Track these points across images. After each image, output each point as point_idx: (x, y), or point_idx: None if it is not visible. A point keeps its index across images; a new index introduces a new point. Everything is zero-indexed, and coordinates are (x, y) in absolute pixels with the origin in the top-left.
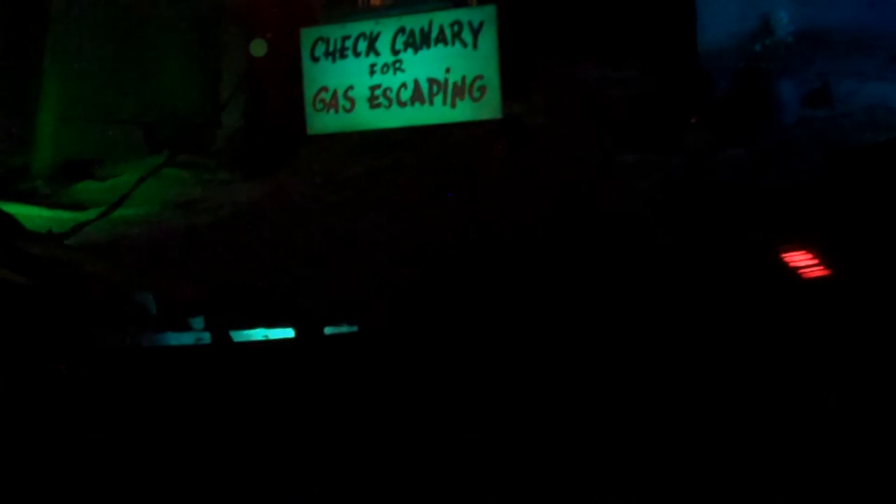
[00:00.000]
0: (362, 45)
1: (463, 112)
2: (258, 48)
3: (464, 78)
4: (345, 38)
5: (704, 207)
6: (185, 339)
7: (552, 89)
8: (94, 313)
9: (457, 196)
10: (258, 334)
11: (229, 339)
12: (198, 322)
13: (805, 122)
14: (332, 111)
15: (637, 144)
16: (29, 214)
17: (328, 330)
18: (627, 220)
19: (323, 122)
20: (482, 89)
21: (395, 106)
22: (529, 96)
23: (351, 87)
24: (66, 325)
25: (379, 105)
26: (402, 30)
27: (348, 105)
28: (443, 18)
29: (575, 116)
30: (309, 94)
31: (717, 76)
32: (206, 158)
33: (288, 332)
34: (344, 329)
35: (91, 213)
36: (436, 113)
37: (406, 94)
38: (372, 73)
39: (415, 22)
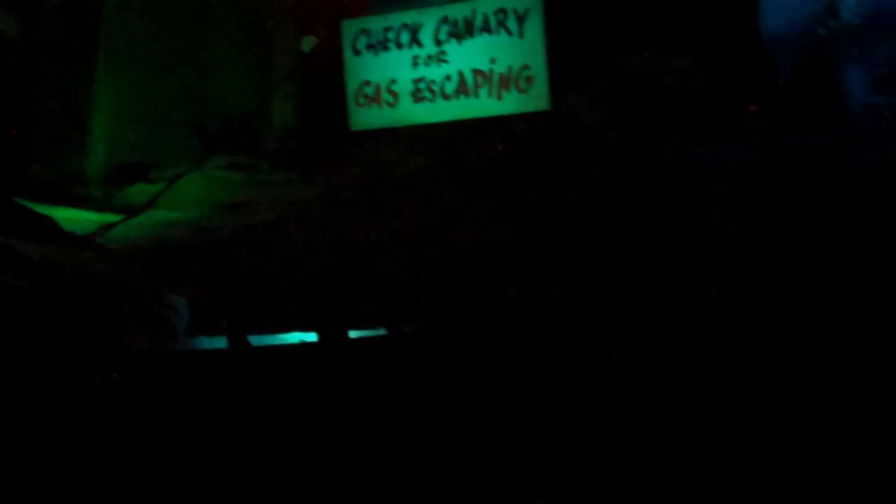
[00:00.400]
0: (405, 37)
1: (510, 104)
2: (308, 44)
3: (510, 68)
4: (387, 30)
5: (768, 201)
6: (218, 343)
7: (606, 80)
8: (119, 319)
9: (509, 194)
10: (288, 338)
11: (247, 343)
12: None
13: (873, 110)
14: (374, 106)
15: (697, 136)
16: (77, 218)
17: (353, 334)
18: (689, 216)
19: (366, 118)
20: (529, 80)
21: (439, 99)
22: (583, 88)
23: (394, 81)
24: (88, 330)
25: (423, 99)
26: (445, 19)
27: (391, 99)
28: (487, 6)
29: (632, 108)
30: (351, 88)
31: (780, 62)
32: (259, 159)
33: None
34: (369, 333)
35: (140, 217)
36: (481, 106)
37: (451, 87)
38: (415, 65)
39: (458, 11)
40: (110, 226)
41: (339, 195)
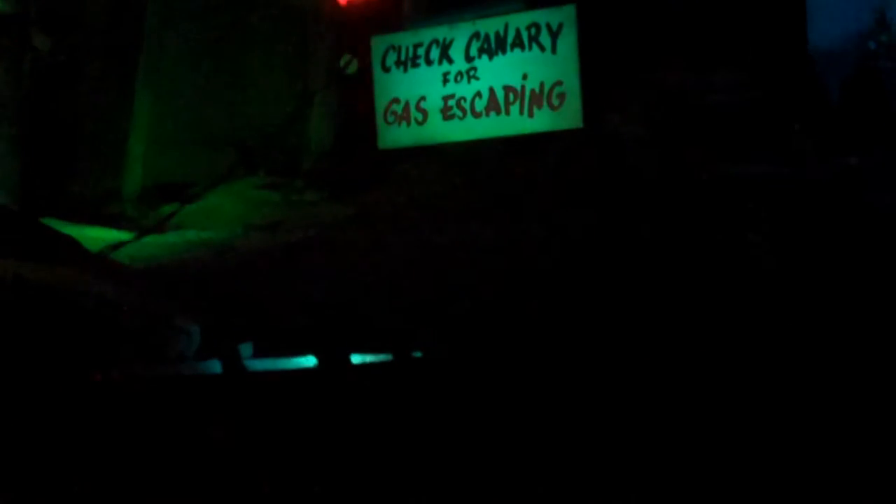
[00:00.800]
0: (435, 53)
1: (541, 122)
2: (352, 67)
3: (542, 84)
4: (417, 46)
5: (814, 225)
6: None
7: (644, 97)
8: (103, 341)
9: (544, 214)
10: (296, 363)
11: (241, 367)
12: (246, 349)
13: None
14: (403, 124)
15: (741, 156)
16: (107, 238)
17: (356, 359)
18: (731, 241)
19: (394, 136)
20: (561, 96)
21: (469, 117)
22: (620, 105)
23: (423, 98)
24: (62, 351)
25: (453, 116)
26: (476, 35)
27: (420, 117)
28: (519, 21)
29: (672, 126)
30: (380, 106)
31: (828, 78)
32: (294, 178)
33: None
34: (371, 358)
35: (171, 237)
36: (512, 123)
37: (481, 104)
38: (445, 82)
39: (490, 26)
40: (118, 245)
41: (372, 215)
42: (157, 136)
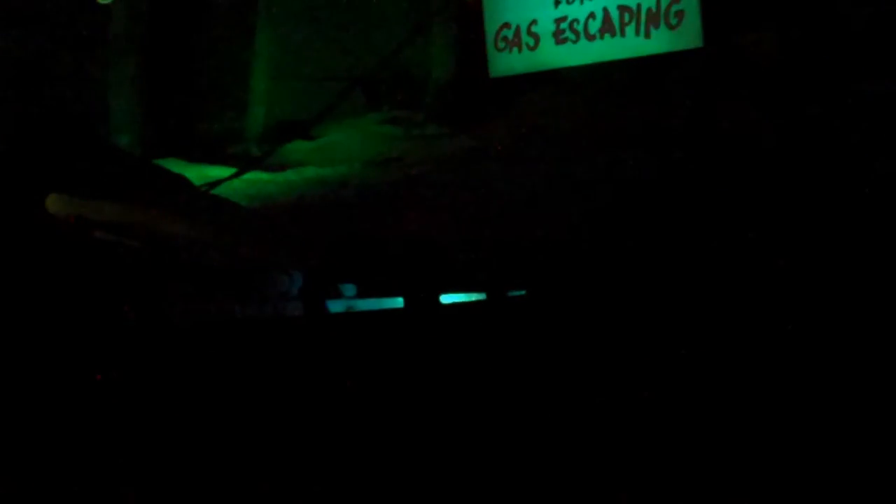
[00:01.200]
0: None
1: (658, 43)
2: None
3: (658, 3)
4: None
5: None
6: (336, 307)
7: (775, 15)
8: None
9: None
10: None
11: (324, 308)
12: (349, 289)
13: None
14: (514, 50)
15: (882, 73)
16: (226, 176)
17: (448, 299)
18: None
19: (506, 63)
20: (679, 14)
21: (582, 40)
22: (747, 23)
23: (534, 22)
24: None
25: (565, 40)
26: None
27: (532, 42)
28: None
29: (811, 43)
30: (490, 31)
31: None
32: (416, 112)
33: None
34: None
35: (289, 174)
36: (628, 45)
37: (594, 26)
38: (557, 3)
39: None
40: (215, 184)
41: (491, 148)
42: (279, 73)
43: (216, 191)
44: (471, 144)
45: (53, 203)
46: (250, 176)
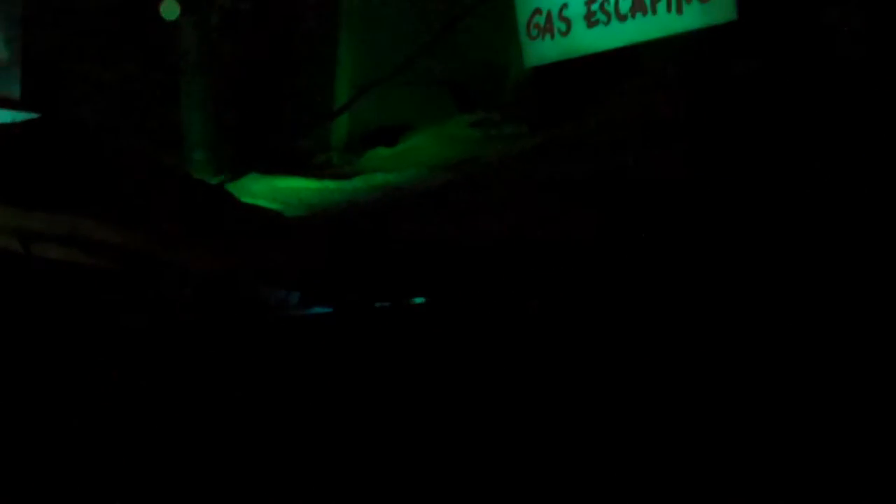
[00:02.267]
0: None
1: (692, 18)
2: None
3: None
4: None
5: None
6: None
7: None
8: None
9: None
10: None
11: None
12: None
13: None
14: (547, 37)
15: None
16: (296, 186)
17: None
18: None
19: (539, 52)
20: None
21: (614, 21)
22: None
23: (565, 6)
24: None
25: (597, 22)
26: None
27: (564, 27)
28: None
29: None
30: (522, 19)
31: None
32: (494, 112)
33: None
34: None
35: (357, 181)
36: (661, 24)
37: (625, 5)
38: None
39: None
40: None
41: (556, 145)
42: (362, 81)
43: (278, 202)
44: (541, 142)
45: None
46: (318, 186)
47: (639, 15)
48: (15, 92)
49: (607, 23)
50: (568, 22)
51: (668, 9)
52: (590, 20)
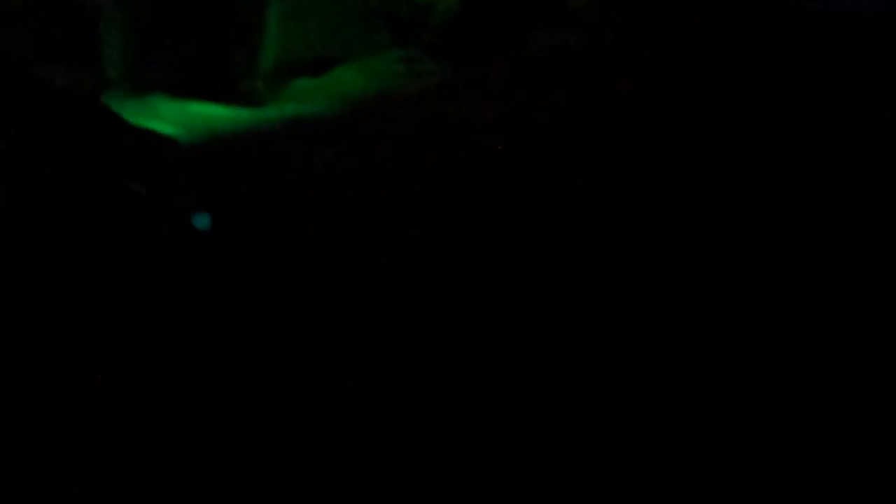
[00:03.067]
0: None
1: None
2: None
3: None
4: None
5: None
6: None
7: None
8: None
9: None
10: None
11: None
12: None
13: None
14: None
15: None
16: (207, 112)
17: None
18: None
19: None
20: None
21: None
22: None
23: None
24: None
25: None
26: None
27: None
28: None
29: None
30: None
31: None
32: (422, 48)
33: None
34: None
35: (269, 111)
36: None
37: None
38: None
39: None
40: None
41: (460, 86)
42: (293, 10)
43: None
44: (462, 80)
45: None
46: (229, 112)
47: None
48: None
49: None
50: None
51: None
52: None
